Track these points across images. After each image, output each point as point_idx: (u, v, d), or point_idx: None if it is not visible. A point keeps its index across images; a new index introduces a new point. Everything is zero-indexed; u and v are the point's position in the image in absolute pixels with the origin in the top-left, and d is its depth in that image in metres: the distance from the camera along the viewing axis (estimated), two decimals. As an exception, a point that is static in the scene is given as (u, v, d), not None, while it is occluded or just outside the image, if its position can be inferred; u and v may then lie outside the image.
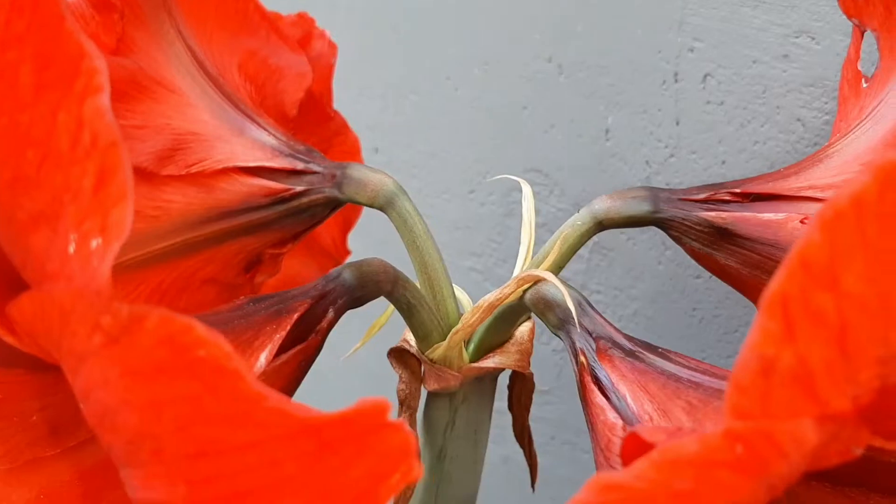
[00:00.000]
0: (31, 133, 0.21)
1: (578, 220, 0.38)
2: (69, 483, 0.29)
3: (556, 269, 0.38)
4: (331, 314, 0.32)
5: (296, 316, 0.31)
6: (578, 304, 0.32)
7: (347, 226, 0.52)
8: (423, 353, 0.37)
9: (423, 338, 0.37)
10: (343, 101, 0.53)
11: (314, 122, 0.51)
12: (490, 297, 0.35)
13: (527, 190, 0.43)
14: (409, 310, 0.35)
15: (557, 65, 0.59)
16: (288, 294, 0.32)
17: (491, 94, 0.63)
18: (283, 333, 0.30)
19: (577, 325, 0.31)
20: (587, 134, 0.59)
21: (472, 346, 0.39)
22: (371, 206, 0.39)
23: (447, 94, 0.66)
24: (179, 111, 0.42)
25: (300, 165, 0.41)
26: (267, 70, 0.46)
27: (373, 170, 0.39)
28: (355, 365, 0.57)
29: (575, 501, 0.17)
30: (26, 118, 0.21)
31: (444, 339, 0.36)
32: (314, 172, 0.41)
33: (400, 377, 0.38)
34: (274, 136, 0.42)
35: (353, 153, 0.53)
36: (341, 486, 0.19)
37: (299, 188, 0.40)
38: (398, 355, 0.38)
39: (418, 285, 0.38)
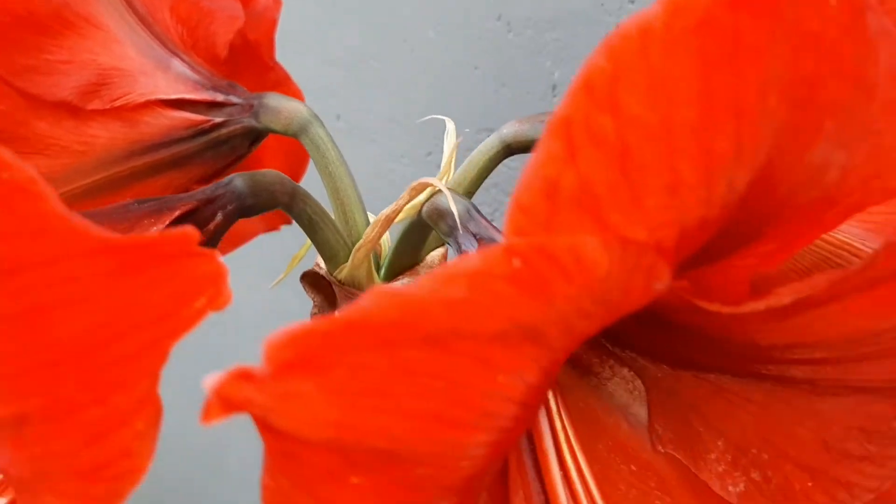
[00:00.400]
0: None
1: (488, 144, 0.39)
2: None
3: (467, 192, 0.39)
4: (219, 218, 0.33)
5: (177, 213, 0.31)
6: (466, 211, 0.33)
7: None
8: (332, 275, 0.38)
9: (331, 258, 0.37)
10: (306, 69, 0.54)
11: (255, 72, 0.51)
12: (387, 209, 0.35)
13: (450, 126, 0.44)
14: (311, 226, 0.36)
15: (506, 22, 0.60)
16: (176, 196, 0.33)
17: (444, 56, 0.64)
18: (161, 227, 0.30)
19: (461, 228, 0.32)
20: (535, 91, 0.60)
21: (383, 270, 0.39)
22: (286, 133, 0.40)
23: (404, 57, 0.66)
24: (105, 47, 0.43)
25: (220, 97, 0.42)
26: (199, 13, 0.47)
27: (288, 98, 0.40)
28: (279, 309, 0.58)
29: (358, 307, 0.17)
30: None
31: (350, 259, 0.37)
32: (233, 104, 0.41)
33: (314, 302, 0.39)
34: (198, 72, 0.43)
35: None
36: (143, 307, 0.19)
37: (219, 119, 0.41)
38: (311, 280, 0.39)
39: (332, 215, 0.38)
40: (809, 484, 0.30)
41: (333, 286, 0.38)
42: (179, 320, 0.19)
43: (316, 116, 0.40)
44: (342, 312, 0.17)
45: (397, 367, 0.18)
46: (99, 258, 0.19)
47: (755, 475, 0.30)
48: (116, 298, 0.19)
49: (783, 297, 0.24)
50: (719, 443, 0.30)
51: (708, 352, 0.29)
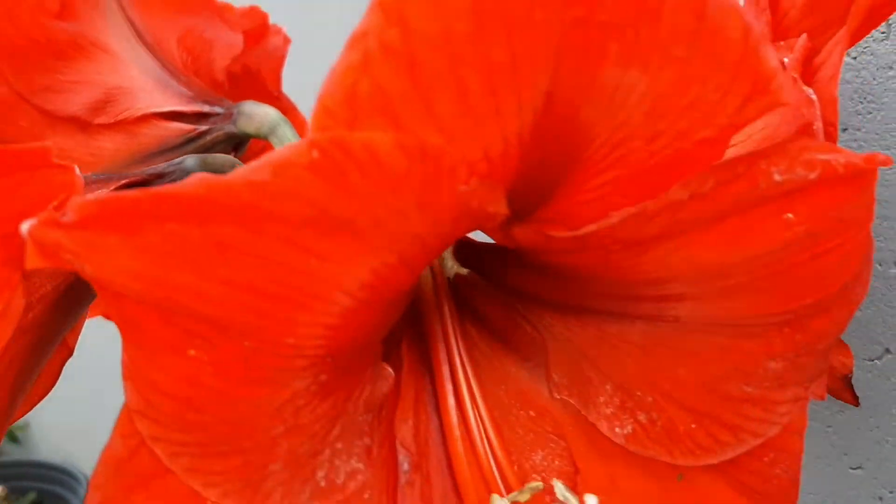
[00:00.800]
0: None
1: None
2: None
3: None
4: (169, 192, 0.37)
5: (123, 182, 0.36)
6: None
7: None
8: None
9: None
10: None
11: (262, 101, 0.56)
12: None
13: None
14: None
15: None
16: (129, 172, 0.37)
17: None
18: (105, 191, 0.35)
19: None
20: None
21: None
22: (258, 135, 0.44)
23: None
24: (112, 69, 0.48)
25: (206, 108, 0.46)
26: (202, 43, 0.52)
27: (261, 105, 0.45)
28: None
29: (172, 185, 0.21)
30: None
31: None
32: (217, 114, 0.46)
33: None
34: (192, 89, 0.48)
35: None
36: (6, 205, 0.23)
37: (204, 127, 0.46)
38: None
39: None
40: (693, 425, 0.31)
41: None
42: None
43: (284, 119, 0.44)
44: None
45: (210, 239, 0.21)
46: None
47: (641, 417, 0.32)
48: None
49: (613, 217, 0.26)
50: (607, 387, 0.32)
51: (587, 294, 0.31)
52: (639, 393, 0.32)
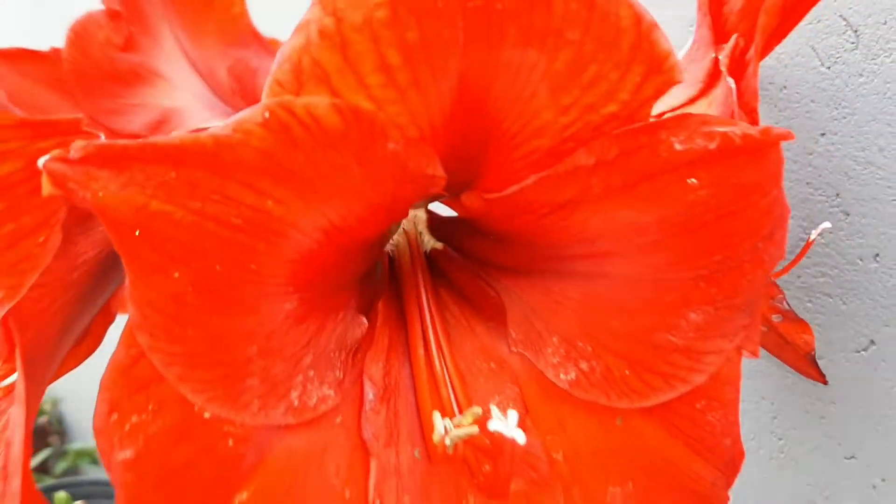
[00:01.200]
0: None
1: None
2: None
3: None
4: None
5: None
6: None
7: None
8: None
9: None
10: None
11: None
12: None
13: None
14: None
15: None
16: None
17: None
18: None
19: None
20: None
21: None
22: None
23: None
24: (168, 93, 0.56)
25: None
26: (250, 72, 0.60)
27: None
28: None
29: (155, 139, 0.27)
30: None
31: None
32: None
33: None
34: (238, 110, 0.56)
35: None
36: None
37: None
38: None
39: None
40: (627, 372, 0.36)
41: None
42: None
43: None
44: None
45: (182, 179, 0.27)
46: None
47: (583, 365, 0.36)
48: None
49: (531, 179, 0.32)
50: (554, 339, 0.37)
51: (531, 257, 0.36)
52: (580, 343, 0.36)
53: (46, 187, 0.26)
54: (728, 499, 0.38)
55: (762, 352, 0.48)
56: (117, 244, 0.28)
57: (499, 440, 0.33)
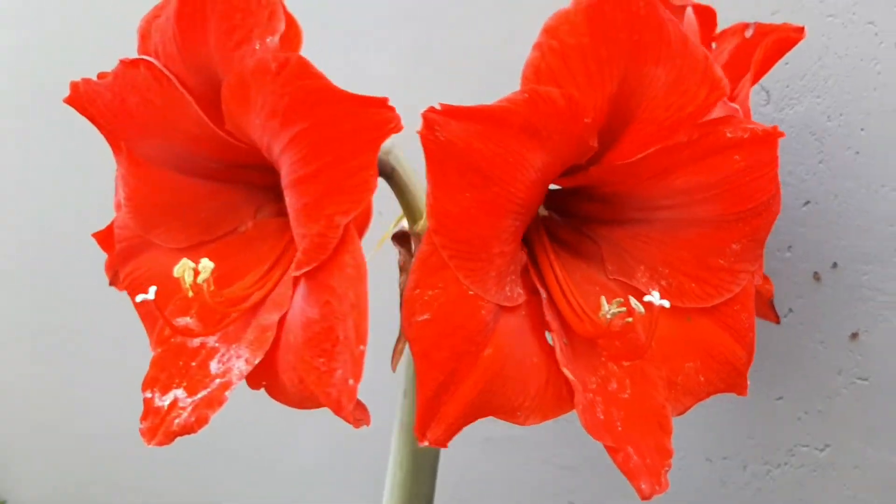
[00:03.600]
0: None
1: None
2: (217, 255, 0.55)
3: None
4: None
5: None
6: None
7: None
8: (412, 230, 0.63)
9: (416, 220, 0.63)
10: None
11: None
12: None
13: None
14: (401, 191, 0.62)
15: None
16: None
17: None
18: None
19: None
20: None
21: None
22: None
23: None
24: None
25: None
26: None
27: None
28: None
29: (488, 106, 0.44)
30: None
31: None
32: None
33: (399, 252, 0.64)
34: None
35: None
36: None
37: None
38: (398, 237, 0.64)
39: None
40: (693, 285, 0.55)
41: (412, 239, 0.64)
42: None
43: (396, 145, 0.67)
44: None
45: (483, 131, 0.45)
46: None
47: (663, 283, 0.55)
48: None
49: (651, 149, 0.51)
50: (641, 267, 0.56)
51: (626, 209, 0.55)
52: (660, 268, 0.55)
53: (424, 129, 0.43)
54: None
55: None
56: (435, 170, 0.44)
57: (649, 307, 0.51)
